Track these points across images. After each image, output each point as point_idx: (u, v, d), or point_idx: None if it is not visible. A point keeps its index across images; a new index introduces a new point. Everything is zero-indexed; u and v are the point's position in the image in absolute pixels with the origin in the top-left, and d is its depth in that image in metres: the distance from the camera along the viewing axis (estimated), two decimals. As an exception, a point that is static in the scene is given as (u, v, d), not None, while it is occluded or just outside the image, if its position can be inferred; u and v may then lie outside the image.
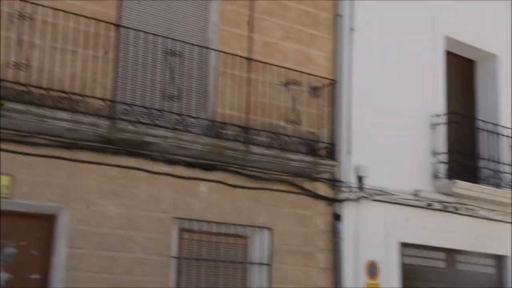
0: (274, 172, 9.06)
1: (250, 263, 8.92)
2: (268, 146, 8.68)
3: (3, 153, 7.25)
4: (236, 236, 8.82)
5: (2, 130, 7.19)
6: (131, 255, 7.90)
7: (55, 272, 7.47)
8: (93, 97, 7.52)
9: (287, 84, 9.16)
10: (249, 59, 8.80)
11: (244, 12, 9.19)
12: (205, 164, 8.55)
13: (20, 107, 6.99)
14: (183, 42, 8.26)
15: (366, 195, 9.81)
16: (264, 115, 8.87)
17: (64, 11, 7.52)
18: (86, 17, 7.65)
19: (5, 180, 7.20)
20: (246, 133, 8.54)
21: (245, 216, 8.87)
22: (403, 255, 10.17)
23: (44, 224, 7.56)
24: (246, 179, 8.90)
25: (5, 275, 7.28)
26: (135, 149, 7.96)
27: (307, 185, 9.41)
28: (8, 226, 7.37)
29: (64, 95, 7.34)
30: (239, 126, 8.53)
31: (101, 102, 7.53)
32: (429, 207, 10.41)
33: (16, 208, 7.37)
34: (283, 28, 9.63)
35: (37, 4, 7.36)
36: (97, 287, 7.57)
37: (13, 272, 7.34)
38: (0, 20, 7.12)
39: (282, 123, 9.03)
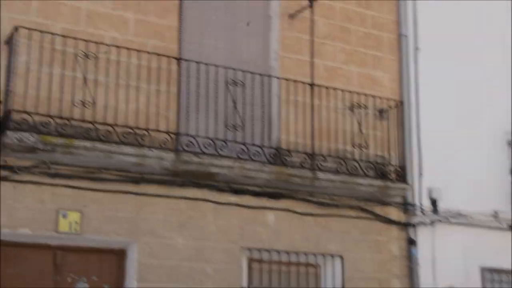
0: (343, 198, 8.88)
1: (323, 292, 8.73)
2: (336, 172, 8.53)
3: (72, 190, 7.37)
4: (307, 265, 8.66)
5: (70, 167, 7.32)
6: (201, 286, 7.86)
7: (127, 306, 7.50)
8: (157, 130, 7.58)
9: (352, 107, 9.01)
10: (312, 85, 8.69)
11: (305, 38, 9.13)
12: (272, 192, 8.47)
13: (87, 144, 7.12)
14: (245, 71, 8.24)
15: (441, 218, 9.48)
16: (329, 141, 8.74)
17: (127, 48, 7.62)
18: (148, 52, 7.74)
19: (75, 216, 7.31)
20: (312, 159, 8.42)
21: (315, 244, 8.71)
22: (484, 280, 9.74)
23: (114, 258, 7.63)
24: (315, 206, 8.76)
25: (78, 310, 7.36)
26: (201, 180, 7.96)
27: (378, 210, 9.18)
28: (80, 261, 7.47)
29: (129, 130, 7.42)
30: (304, 153, 8.42)
31: (165, 135, 7.57)
32: (511, 228, 9.97)
33: (86, 243, 7.47)
34: (345, 51, 9.52)
35: (100, 43, 7.51)
36: (168, 321, 7.55)
37: (86, 307, 7.41)
38: (65, 60, 7.25)
39: (349, 148, 8.86)
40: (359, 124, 8.98)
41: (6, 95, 7.01)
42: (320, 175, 8.38)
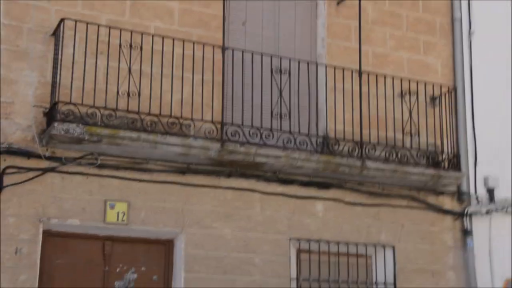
0: (393, 187, 8.66)
1: (375, 283, 8.54)
2: (385, 160, 8.32)
3: (119, 181, 7.39)
4: (358, 255, 8.48)
5: (117, 158, 7.34)
6: (249, 278, 7.79)
7: (175, 297, 7.49)
8: (202, 120, 7.52)
9: (402, 94, 8.77)
10: (360, 72, 8.49)
11: (352, 24, 8.93)
12: (321, 182, 8.33)
13: (132, 134, 7.11)
14: (291, 59, 8.10)
15: (497, 208, 9.16)
16: (379, 129, 8.51)
17: (172, 38, 7.58)
18: (193, 42, 7.68)
19: (122, 207, 7.33)
20: (360, 148, 8.23)
21: (365, 235, 8.54)
22: (546, 270, 9.38)
23: (162, 249, 7.63)
24: (364, 196, 8.58)
25: (127, 301, 7.39)
26: (247, 170, 7.88)
27: (431, 199, 8.94)
28: (128, 251, 7.49)
29: (175, 120, 7.39)
30: (353, 141, 8.24)
31: (210, 125, 7.51)
32: None
33: (133, 234, 7.49)
34: (395, 37, 9.28)
35: (145, 33, 7.49)
36: (216, 311, 7.51)
37: (136, 297, 7.44)
38: (109, 51, 7.26)
39: (399, 136, 8.63)
40: (410, 111, 8.73)
41: (53, 87, 7.05)
42: (369, 164, 8.19)
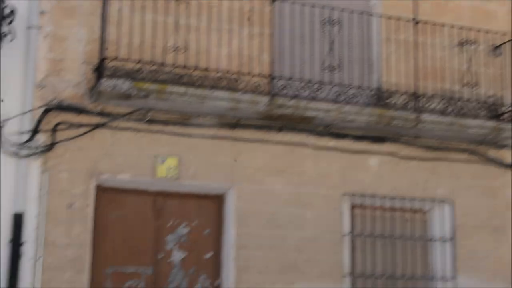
0: (451, 141, 8.38)
1: (431, 239, 8.35)
2: (442, 113, 8.04)
3: (168, 136, 7.41)
4: (414, 210, 8.30)
5: (166, 113, 7.35)
6: (301, 233, 7.74)
7: (227, 251, 7.52)
8: (251, 74, 7.41)
9: (461, 44, 8.42)
10: (415, 21, 8.17)
11: (408, -28, 8.57)
12: (374, 136, 8.14)
13: (180, 89, 7.09)
14: (342, 10, 7.87)
15: (562, 161, 8.77)
16: (435, 80, 8.22)
17: (219, -9, 7.47)
18: (240, -6, 7.56)
19: (173, 161, 7.36)
20: (415, 100, 7.97)
21: (422, 189, 8.32)
22: None
23: (213, 204, 7.65)
24: (421, 150, 8.35)
25: (180, 254, 7.45)
26: (297, 124, 7.77)
27: (491, 153, 8.62)
28: (179, 206, 7.55)
29: (223, 74, 7.31)
30: (407, 94, 7.98)
31: (259, 79, 7.41)
32: None
33: (184, 189, 7.52)
34: (455, -16, 8.87)
35: (191, -13, 7.40)
36: (268, 265, 7.50)
37: (188, 251, 7.50)
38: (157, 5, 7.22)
39: (457, 87, 8.31)
40: (469, 61, 8.37)
41: (101, 44, 7.07)
42: (425, 116, 7.93)
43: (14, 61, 6.95)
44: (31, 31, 7.06)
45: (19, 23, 6.94)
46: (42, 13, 7.14)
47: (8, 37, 6.72)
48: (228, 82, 7.32)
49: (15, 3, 6.79)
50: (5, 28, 6.71)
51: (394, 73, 8.06)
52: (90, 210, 7.06)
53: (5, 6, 6.65)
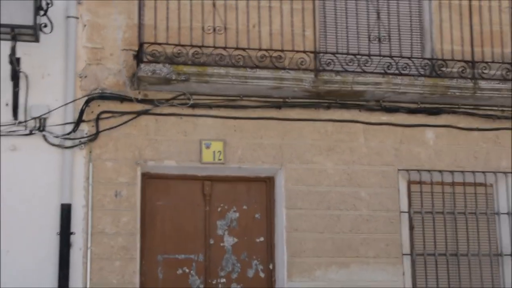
0: (514, 109, 7.91)
1: (496, 213, 7.91)
2: (502, 80, 7.56)
3: (213, 119, 7.26)
4: (476, 184, 7.86)
5: (209, 97, 7.20)
6: (355, 212, 7.47)
7: (278, 234, 7.34)
8: (293, 51, 7.15)
9: (521, 5, 7.89)
10: (470, -16, 7.70)
11: None
12: (429, 108, 7.75)
13: (221, 70, 6.91)
14: (389, -22, 7.50)
15: None
16: (493, 45, 7.73)
17: (257, -33, 7.22)
18: (280, -31, 7.28)
19: (218, 146, 7.21)
20: (472, 67, 7.52)
21: (484, 162, 7.89)
22: None
23: (262, 186, 7.47)
24: (481, 120, 7.90)
25: (231, 240, 7.32)
26: (346, 100, 7.47)
27: (557, 119, 8.07)
28: (228, 191, 7.40)
29: (264, 53, 7.08)
30: (463, 61, 7.53)
31: (303, 55, 7.14)
32: None
33: (232, 173, 7.36)
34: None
35: (228, -35, 7.19)
36: (321, 248, 7.27)
37: (239, 236, 7.36)
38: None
39: (518, 52, 7.80)
40: (531, 22, 7.84)
41: (139, 29, 6.97)
42: (483, 84, 7.47)
43: (54, 52, 6.94)
44: (69, 21, 7.02)
45: (57, 14, 6.91)
46: (79, 3, 7.08)
47: (47, 28, 6.66)
48: (271, 61, 7.08)
49: (52, -7, 6.73)
50: (44, 19, 6.65)
51: (448, 41, 7.60)
52: (137, 198, 7.00)
53: (43, -2, 6.59)
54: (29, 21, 6.40)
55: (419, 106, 7.71)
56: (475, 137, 7.89)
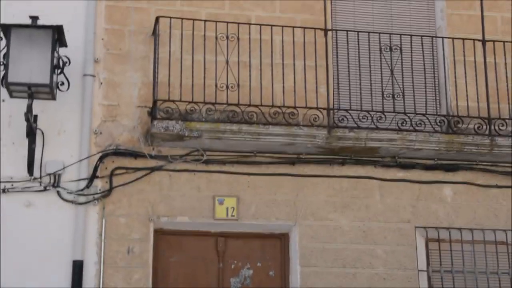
0: (534, 165, 7.77)
1: (519, 273, 7.70)
2: (520, 136, 7.46)
3: (226, 175, 7.27)
4: (498, 243, 7.67)
5: (223, 153, 7.22)
6: (371, 270, 7.33)
7: (293, 292, 7.22)
8: (307, 107, 7.18)
9: (536, 61, 7.85)
10: (484, 41, 7.68)
11: (477, -10, 8.13)
12: (446, 164, 7.66)
13: (233, 127, 6.95)
14: (405, 35, 7.53)
15: None
16: (510, 102, 7.66)
17: (271, 25, 7.33)
18: (292, 27, 7.37)
19: (231, 202, 7.19)
20: (489, 124, 7.45)
21: (505, 220, 7.72)
22: None
23: (276, 243, 7.40)
24: (500, 176, 7.78)
25: (245, 297, 7.24)
26: (361, 156, 7.43)
27: None
28: (242, 247, 7.35)
29: (277, 109, 7.12)
30: (479, 118, 7.46)
31: (316, 112, 7.16)
32: None
33: (245, 229, 7.32)
34: (528, -1, 8.33)
35: (241, 23, 7.31)
36: (337, 306, 7.13)
37: (253, 294, 7.27)
38: (205, 44, 7.15)
39: (534, 108, 7.72)
40: (547, 77, 7.78)
41: (153, 86, 7.07)
42: (500, 141, 7.38)
43: (70, 110, 7.07)
44: (86, 79, 7.15)
45: (74, 72, 7.06)
46: (96, 61, 7.23)
47: (64, 86, 6.81)
48: (284, 117, 7.10)
49: (70, 52, 6.89)
50: (61, 77, 6.80)
51: (463, 97, 7.56)
52: (149, 255, 6.98)
53: (60, 57, 6.75)
54: (45, 79, 6.53)
55: (435, 163, 7.63)
56: (494, 194, 7.75)
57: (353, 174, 7.51)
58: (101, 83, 7.25)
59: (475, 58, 7.65)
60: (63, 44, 6.75)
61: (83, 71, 7.18)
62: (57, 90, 6.82)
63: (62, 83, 6.83)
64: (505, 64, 7.71)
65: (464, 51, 7.60)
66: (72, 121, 7.04)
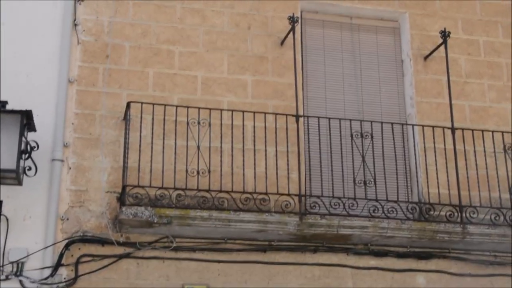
0: (507, 254, 7.71)
1: None
2: (491, 225, 7.43)
3: (196, 263, 7.10)
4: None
5: (193, 240, 7.08)
6: None
7: None
8: (278, 194, 7.11)
9: (507, 149, 7.92)
10: (453, 129, 7.75)
11: (443, 79, 8.28)
12: (419, 252, 7.58)
13: (203, 213, 6.84)
14: (376, 122, 7.58)
15: None
16: (481, 190, 7.67)
17: (242, 111, 7.35)
18: (264, 113, 7.40)
19: (201, 291, 7.00)
20: (460, 212, 7.42)
21: (479, 308, 7.60)
22: None
23: (245, 334, 7.15)
24: (473, 265, 7.70)
25: None
26: (333, 243, 7.32)
27: (555, 263, 7.85)
28: None
29: (249, 196, 7.04)
30: (451, 205, 7.45)
31: (287, 198, 7.09)
32: None
33: (215, 319, 7.08)
34: (495, 88, 8.50)
35: (213, 109, 7.31)
36: None
37: None
38: (176, 128, 7.13)
39: (506, 196, 7.73)
40: (517, 167, 7.84)
41: (123, 171, 6.97)
42: (472, 229, 7.35)
43: (37, 195, 6.91)
44: (54, 163, 7.05)
45: (43, 156, 6.96)
46: (66, 145, 7.15)
47: (31, 171, 6.67)
48: (255, 204, 7.01)
49: (39, 137, 6.80)
50: (29, 162, 6.68)
51: (435, 184, 7.57)
52: None
53: (29, 142, 6.65)
54: (12, 165, 6.41)
55: (408, 250, 7.55)
56: (468, 283, 7.66)
57: (325, 262, 7.40)
58: (70, 168, 7.13)
59: (445, 145, 7.71)
60: (32, 128, 6.67)
61: (52, 155, 7.07)
62: (24, 175, 6.66)
63: (30, 168, 6.70)
64: (475, 151, 7.73)
65: (434, 139, 7.66)
66: (38, 207, 6.88)
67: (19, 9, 7.41)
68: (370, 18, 8.51)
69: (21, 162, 6.52)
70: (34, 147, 6.74)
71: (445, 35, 8.00)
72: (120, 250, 6.96)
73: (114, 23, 7.70)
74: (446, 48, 8.03)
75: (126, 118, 7.18)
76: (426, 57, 8.40)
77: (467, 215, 7.43)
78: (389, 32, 8.54)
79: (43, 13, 7.49)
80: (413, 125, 7.88)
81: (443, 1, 8.69)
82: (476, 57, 8.60)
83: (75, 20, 7.57)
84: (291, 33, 7.67)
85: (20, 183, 6.63)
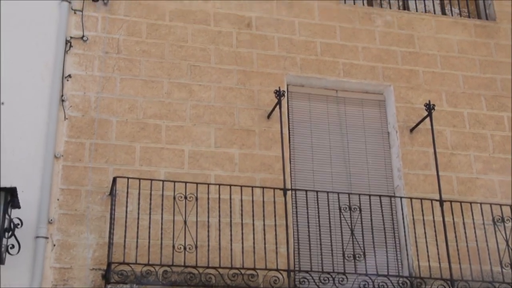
0: (500, 327, 7.56)
1: None
2: (484, 298, 7.33)
3: None
4: None
5: (180, 316, 6.91)
6: None
7: None
8: (267, 269, 6.99)
9: (496, 221, 7.87)
10: (441, 201, 7.72)
11: (430, 151, 8.31)
12: (411, 327, 7.41)
13: (189, 291, 6.70)
14: (364, 194, 7.55)
15: None
16: (472, 262, 7.58)
17: (229, 185, 7.30)
18: (251, 186, 7.35)
19: None
20: (452, 286, 7.31)
21: None
22: None
23: None
24: (467, 339, 7.51)
25: None
26: (325, 320, 7.16)
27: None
28: None
29: (236, 271, 6.91)
30: (442, 279, 7.34)
31: (276, 274, 6.96)
32: None
33: None
34: (482, 159, 8.52)
35: (199, 183, 7.26)
36: None
37: None
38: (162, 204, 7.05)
39: (497, 269, 7.64)
40: (507, 240, 7.77)
41: (109, 248, 6.84)
42: (463, 303, 7.23)
43: (19, 273, 6.75)
44: (38, 240, 6.92)
45: (26, 233, 6.83)
46: (50, 222, 7.04)
47: (15, 249, 6.54)
48: (243, 279, 6.88)
49: (23, 213, 6.70)
50: (12, 240, 6.55)
51: (425, 257, 7.47)
52: None
53: (12, 219, 6.54)
54: (-6, 245, 6.27)
55: (406, 327, 7.39)
56: None
57: None
58: (54, 245, 6.99)
59: (433, 217, 7.67)
60: (16, 206, 6.57)
61: (36, 233, 6.95)
62: (7, 254, 6.52)
63: (13, 246, 6.58)
64: (464, 224, 7.69)
65: (422, 211, 7.62)
66: (20, 286, 6.68)
67: (6, 85, 7.43)
68: (356, 91, 8.60)
69: (4, 240, 6.39)
70: (18, 224, 6.63)
71: (429, 107, 8.07)
72: (104, 331, 6.76)
73: (101, 98, 7.72)
74: (431, 120, 8.09)
75: (112, 193, 7.09)
76: (412, 129, 8.44)
77: (460, 288, 7.32)
78: (375, 104, 8.62)
79: (31, 89, 7.50)
80: (401, 197, 7.85)
81: (426, 74, 8.82)
82: (461, 129, 8.66)
83: (62, 96, 7.58)
84: (278, 106, 7.71)
85: (2, 262, 6.48)
